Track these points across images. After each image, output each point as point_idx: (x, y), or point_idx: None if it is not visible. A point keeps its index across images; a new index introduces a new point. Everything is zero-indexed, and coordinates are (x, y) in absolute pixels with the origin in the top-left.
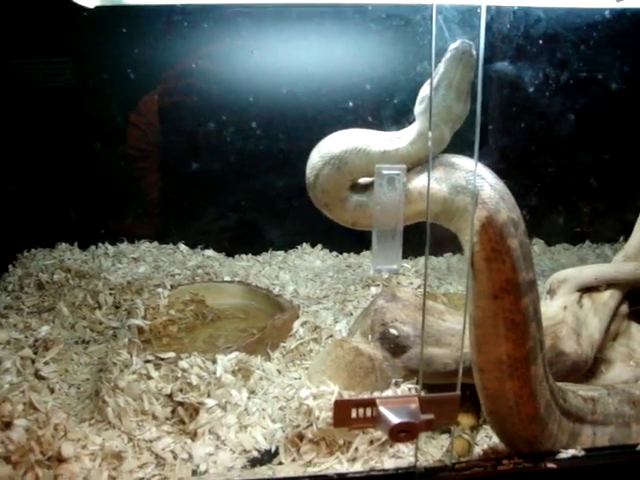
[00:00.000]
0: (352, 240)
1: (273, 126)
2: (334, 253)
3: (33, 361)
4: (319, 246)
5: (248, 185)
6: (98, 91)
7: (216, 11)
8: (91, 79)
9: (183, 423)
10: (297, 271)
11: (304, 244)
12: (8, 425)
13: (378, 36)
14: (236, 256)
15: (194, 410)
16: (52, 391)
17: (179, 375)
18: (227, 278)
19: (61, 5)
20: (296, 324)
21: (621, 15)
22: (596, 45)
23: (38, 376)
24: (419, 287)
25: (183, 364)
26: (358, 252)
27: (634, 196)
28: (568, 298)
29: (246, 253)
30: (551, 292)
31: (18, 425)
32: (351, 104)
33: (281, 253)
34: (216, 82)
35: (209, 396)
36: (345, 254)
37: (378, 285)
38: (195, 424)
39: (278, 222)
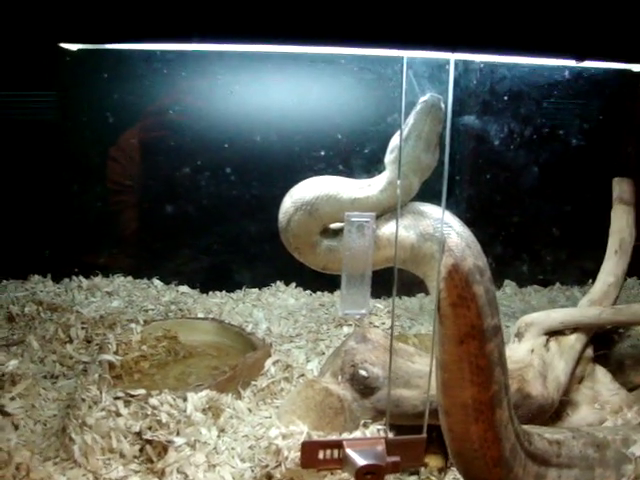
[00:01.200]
0: (326, 279)
1: (247, 171)
2: (308, 292)
3: None
4: (293, 284)
5: (222, 228)
6: (77, 127)
7: (195, 57)
8: (72, 115)
9: (151, 462)
10: (270, 309)
11: (278, 282)
12: None
13: (351, 87)
14: (210, 293)
15: (163, 448)
16: (16, 428)
17: (149, 412)
18: (200, 315)
19: (47, 46)
20: (268, 362)
21: (579, 75)
22: (557, 102)
23: (2, 412)
24: (387, 329)
25: (153, 401)
26: (332, 291)
27: (596, 245)
28: (535, 341)
29: (220, 290)
30: (519, 335)
31: None
32: (323, 152)
33: (255, 291)
34: (194, 126)
35: (178, 434)
36: (319, 293)
37: (350, 325)
38: (163, 463)
39: (252, 263)
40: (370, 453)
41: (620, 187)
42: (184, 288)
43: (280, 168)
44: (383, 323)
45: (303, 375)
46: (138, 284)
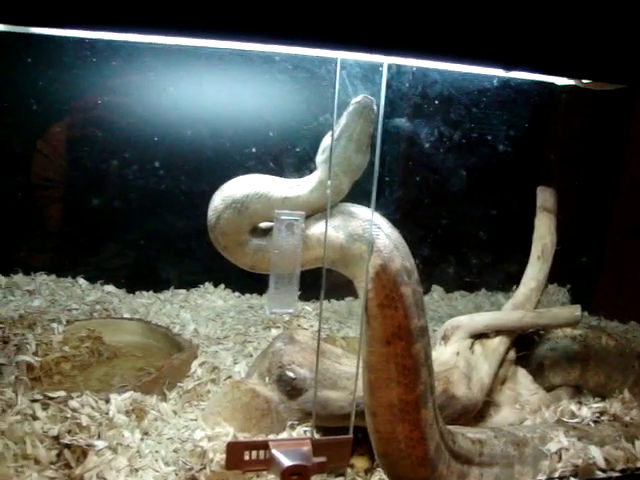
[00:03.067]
0: (254, 281)
1: (177, 167)
2: (236, 293)
3: None
4: (221, 286)
5: (149, 224)
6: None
7: (126, 48)
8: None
9: (69, 467)
10: (198, 310)
11: (206, 283)
12: None
13: (284, 86)
14: (137, 293)
15: (82, 453)
16: None
17: (68, 415)
18: (126, 315)
19: None
20: (194, 364)
21: (507, 84)
22: (485, 109)
23: None
24: (314, 331)
25: (73, 403)
26: (260, 293)
27: (520, 249)
28: (461, 344)
29: (147, 290)
30: (445, 338)
31: None
32: (254, 150)
33: (183, 292)
34: (123, 119)
35: (99, 437)
36: (247, 295)
37: (279, 327)
38: (82, 468)
39: (180, 261)
40: (296, 454)
41: (543, 195)
42: (110, 287)
43: (210, 164)
44: (311, 325)
45: (230, 377)
46: (62, 283)
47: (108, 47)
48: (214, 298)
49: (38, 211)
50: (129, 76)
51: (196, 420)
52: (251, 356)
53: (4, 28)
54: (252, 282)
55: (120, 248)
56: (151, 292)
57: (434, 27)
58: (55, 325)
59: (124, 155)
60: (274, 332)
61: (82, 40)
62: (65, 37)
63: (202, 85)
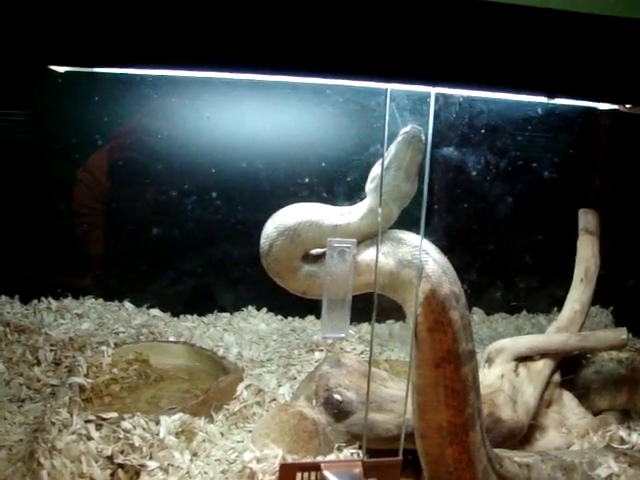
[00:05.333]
0: (297, 305)
1: (231, 196)
2: (279, 317)
3: None
4: (264, 309)
5: (195, 251)
6: (50, 147)
7: (177, 82)
8: (47, 135)
9: None
10: (242, 334)
11: (249, 307)
12: None
13: (336, 118)
14: (181, 316)
15: (135, 473)
16: None
17: (121, 436)
18: (172, 338)
19: (34, 66)
20: (240, 387)
21: (551, 112)
22: (530, 136)
23: None
24: (362, 353)
25: (126, 424)
26: (303, 316)
27: (564, 274)
28: (505, 367)
29: (191, 314)
30: (489, 361)
31: None
32: (307, 179)
33: (226, 315)
34: (180, 151)
35: (151, 458)
36: (290, 318)
37: (322, 350)
38: None
39: (223, 285)
40: (347, 475)
41: (585, 218)
42: (155, 311)
43: (264, 194)
44: (354, 349)
45: (275, 400)
46: (109, 306)
47: (158, 81)
48: (257, 321)
49: (86, 238)
50: (181, 109)
51: (243, 442)
52: (295, 379)
53: (69, 69)
54: (294, 306)
55: (165, 275)
56: (195, 316)
57: (480, 58)
58: (104, 348)
59: (176, 186)
60: (317, 355)
61: (132, 76)
62: (114, 74)
63: (257, 117)
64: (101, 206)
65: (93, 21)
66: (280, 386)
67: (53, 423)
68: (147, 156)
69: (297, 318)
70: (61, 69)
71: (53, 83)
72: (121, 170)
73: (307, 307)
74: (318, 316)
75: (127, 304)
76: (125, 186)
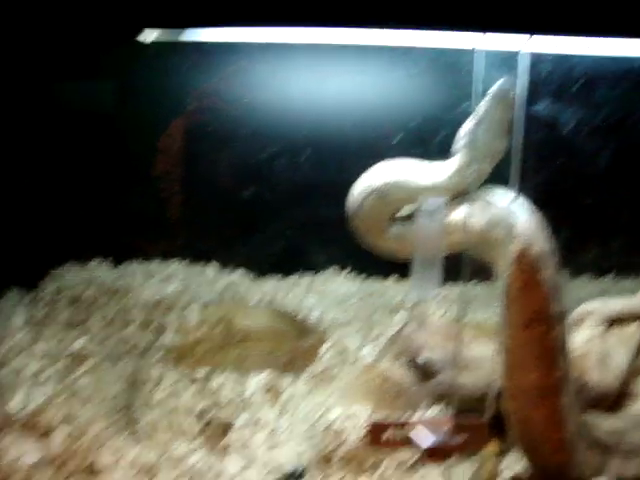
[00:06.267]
0: (378, 266)
1: (316, 157)
2: (360, 278)
3: (68, 373)
4: (345, 271)
5: (280, 212)
6: (135, 117)
7: (259, 47)
8: (131, 105)
9: (213, 440)
10: (323, 295)
11: (332, 268)
12: (49, 433)
13: (426, 76)
14: (264, 277)
15: (224, 428)
16: (86, 403)
17: (212, 393)
18: (255, 300)
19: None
20: (323, 348)
21: None
22: (626, 92)
23: (73, 388)
24: (444, 314)
25: (214, 382)
26: (384, 278)
27: None
28: (594, 330)
29: (275, 274)
30: (577, 323)
31: (59, 434)
32: (396, 140)
33: (309, 276)
34: (259, 113)
35: (239, 415)
36: (371, 279)
37: (404, 312)
38: (225, 441)
39: (306, 246)
40: (436, 433)
41: None
42: (239, 273)
43: (353, 155)
44: (436, 311)
45: (357, 360)
46: (194, 269)
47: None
48: (339, 283)
49: (163, 202)
50: (260, 73)
51: (326, 401)
52: (376, 340)
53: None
54: (376, 267)
55: (247, 237)
56: (277, 277)
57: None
58: (190, 309)
59: (266, 148)
60: (399, 317)
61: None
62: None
63: (344, 78)
64: (184, 171)
65: None
66: (362, 347)
67: (147, 379)
68: (228, 120)
69: (378, 279)
70: (148, 39)
71: (137, 54)
72: (202, 134)
73: (388, 268)
74: (400, 277)
75: (211, 267)
76: (206, 150)
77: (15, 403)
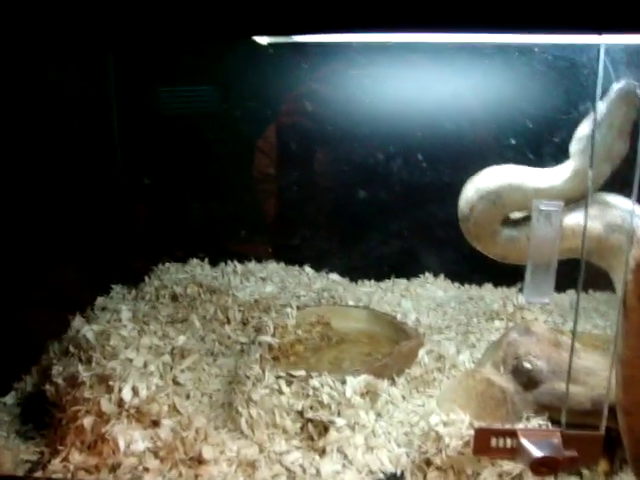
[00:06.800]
0: (474, 273)
1: (437, 160)
2: (456, 284)
3: (171, 367)
4: (441, 276)
5: (374, 218)
6: (234, 119)
7: (356, 49)
8: (231, 107)
9: (312, 439)
10: (419, 300)
11: (426, 273)
12: (156, 424)
13: (543, 76)
14: (359, 282)
15: (323, 428)
16: (188, 397)
17: (310, 393)
18: (351, 302)
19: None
20: (421, 352)
21: None
22: None
23: (176, 382)
24: (544, 322)
25: (314, 382)
26: (480, 284)
27: None
28: None
29: (369, 279)
30: None
31: (165, 425)
32: (513, 140)
33: (403, 281)
34: (359, 115)
35: (339, 415)
36: (467, 286)
37: (502, 319)
38: (324, 441)
39: (401, 252)
40: (546, 445)
41: None
42: (334, 276)
43: (468, 156)
44: (536, 318)
45: (456, 366)
46: (290, 270)
47: (341, 49)
48: (434, 288)
49: (262, 204)
50: (361, 74)
51: (424, 406)
52: (474, 347)
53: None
54: (472, 273)
55: (342, 241)
56: (372, 281)
57: None
58: (288, 310)
59: (366, 151)
60: (497, 324)
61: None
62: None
63: (461, 79)
64: (280, 173)
65: None
66: (459, 353)
67: (247, 377)
68: (323, 122)
69: (474, 286)
70: (264, 40)
71: (239, 56)
72: (299, 135)
73: (485, 275)
74: (497, 284)
75: (307, 269)
76: (304, 152)
77: (125, 393)
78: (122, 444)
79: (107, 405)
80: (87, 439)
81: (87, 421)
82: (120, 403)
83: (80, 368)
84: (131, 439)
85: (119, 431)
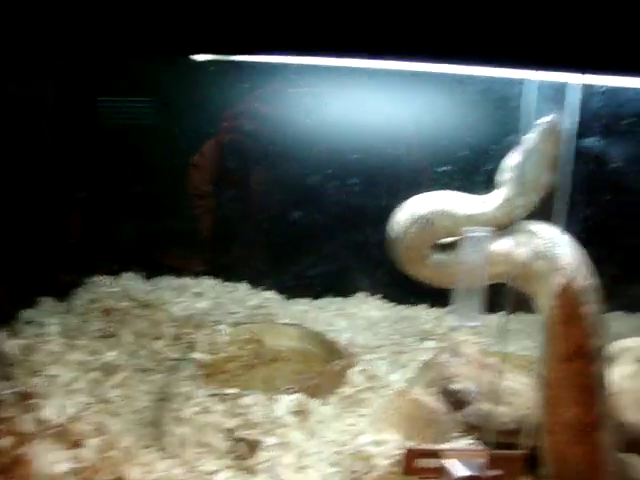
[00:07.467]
0: (409, 292)
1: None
2: (391, 304)
3: (100, 384)
4: (376, 296)
5: (310, 237)
6: (170, 133)
7: (294, 69)
8: (168, 121)
9: (243, 459)
10: (353, 319)
11: (362, 293)
12: (79, 443)
13: (476, 107)
14: (294, 300)
15: (254, 447)
16: (116, 415)
17: (241, 411)
18: (285, 320)
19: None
20: (353, 372)
21: None
22: None
23: (104, 399)
24: (474, 343)
25: (246, 401)
26: (415, 304)
27: None
28: (630, 367)
29: (304, 297)
30: (611, 360)
31: (90, 444)
32: (444, 168)
33: (338, 300)
34: (292, 135)
35: (270, 434)
36: (401, 306)
37: (434, 339)
38: (254, 460)
39: (335, 271)
40: (470, 465)
41: None
42: (269, 294)
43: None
44: (467, 339)
45: (387, 386)
46: (225, 287)
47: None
48: (368, 307)
49: (197, 220)
50: (298, 95)
51: (355, 425)
52: (406, 367)
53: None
54: (406, 294)
55: (277, 256)
56: (307, 299)
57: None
58: (221, 327)
59: (298, 170)
60: (429, 344)
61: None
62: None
63: (393, 105)
64: (216, 190)
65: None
66: (392, 373)
67: (178, 394)
68: (261, 140)
69: (409, 306)
70: (201, 58)
71: (178, 71)
72: (233, 154)
73: (419, 295)
74: (432, 305)
75: (242, 285)
76: (240, 170)
77: (48, 411)
78: (41, 465)
79: (27, 424)
80: (3, 461)
81: (4, 442)
82: (41, 422)
83: None
84: (52, 460)
85: (39, 452)
